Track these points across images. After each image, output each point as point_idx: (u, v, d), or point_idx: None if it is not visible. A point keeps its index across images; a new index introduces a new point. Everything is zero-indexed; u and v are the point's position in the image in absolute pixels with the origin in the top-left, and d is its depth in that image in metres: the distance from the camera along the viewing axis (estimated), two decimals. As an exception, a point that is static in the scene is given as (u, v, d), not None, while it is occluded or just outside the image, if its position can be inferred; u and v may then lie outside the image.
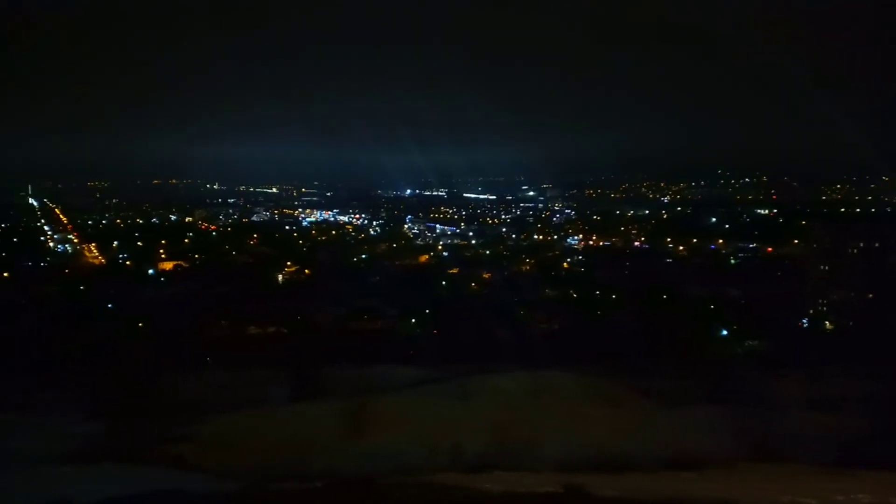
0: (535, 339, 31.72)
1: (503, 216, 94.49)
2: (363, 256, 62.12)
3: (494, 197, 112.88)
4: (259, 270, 54.05)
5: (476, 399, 14.51)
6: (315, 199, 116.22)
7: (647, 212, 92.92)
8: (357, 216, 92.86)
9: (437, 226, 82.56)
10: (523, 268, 56.01)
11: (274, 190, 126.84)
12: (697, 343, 29.33)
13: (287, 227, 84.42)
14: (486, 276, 50.95)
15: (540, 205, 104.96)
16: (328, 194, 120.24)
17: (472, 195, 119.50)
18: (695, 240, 65.83)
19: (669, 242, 65.82)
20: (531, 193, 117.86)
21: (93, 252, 63.58)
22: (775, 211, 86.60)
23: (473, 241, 72.51)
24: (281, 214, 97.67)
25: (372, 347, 29.28)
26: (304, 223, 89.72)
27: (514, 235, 75.77)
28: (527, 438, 12.08)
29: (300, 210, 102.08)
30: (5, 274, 49.81)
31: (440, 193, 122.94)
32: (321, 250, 65.14)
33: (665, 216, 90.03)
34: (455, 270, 53.92)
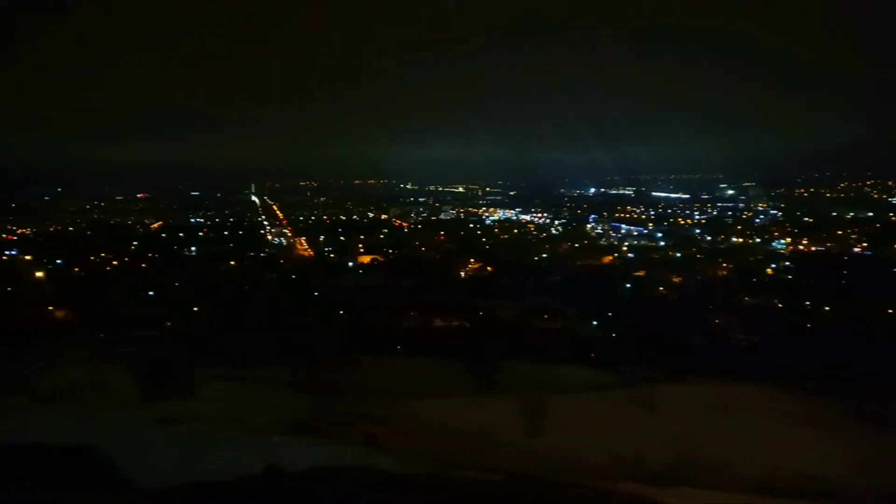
0: (731, 350, 29.40)
1: (697, 216, 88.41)
2: (544, 255, 61.88)
3: (688, 196, 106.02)
4: (445, 266, 56.27)
5: (663, 409, 13.75)
6: (498, 197, 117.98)
7: (870, 214, 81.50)
8: (539, 215, 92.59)
9: (623, 226, 79.54)
10: (719, 272, 52.09)
11: (460, 189, 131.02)
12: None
13: (471, 225, 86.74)
14: (675, 279, 48.16)
15: (741, 204, 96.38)
16: (511, 193, 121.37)
17: (662, 194, 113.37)
18: (932, 246, 56.44)
19: (899, 249, 57.18)
20: (731, 192, 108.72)
21: (303, 245, 70.56)
22: None
23: (662, 243, 68.83)
24: (466, 213, 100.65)
25: (552, 346, 29.11)
26: (487, 221, 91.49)
27: (708, 237, 70.66)
28: (717, 456, 11.24)
29: (484, 208, 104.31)
30: (232, 262, 57.13)
31: (627, 192, 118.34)
32: (503, 248, 66.10)
33: (894, 219, 78.33)
34: (641, 273, 51.69)
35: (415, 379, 16.34)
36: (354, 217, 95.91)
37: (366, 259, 59.88)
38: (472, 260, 56.93)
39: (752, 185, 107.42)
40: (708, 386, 15.77)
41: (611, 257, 60.72)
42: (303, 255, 65.90)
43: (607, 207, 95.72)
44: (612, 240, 73.06)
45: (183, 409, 13.10)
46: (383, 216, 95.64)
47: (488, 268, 54.89)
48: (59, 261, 53.22)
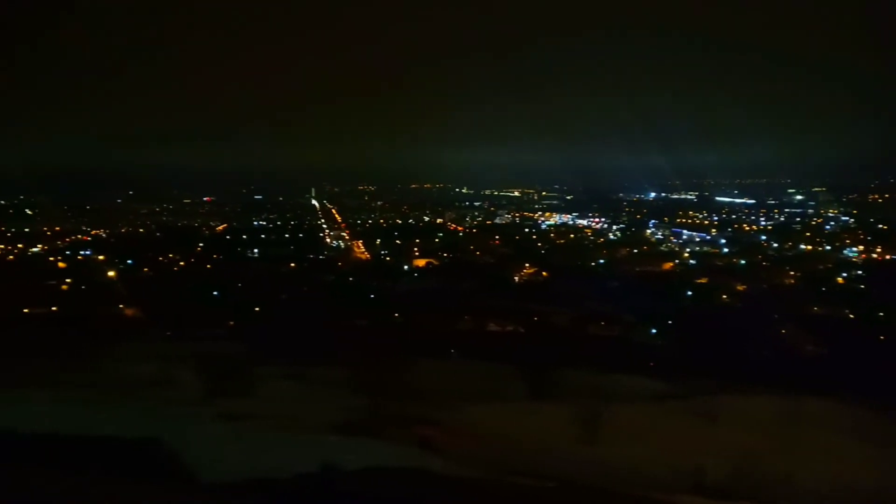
0: (797, 362, 28.25)
1: (763, 222, 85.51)
2: (601, 261, 60.99)
3: (753, 201, 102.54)
4: (499, 270, 56.14)
5: (725, 421, 13.35)
6: (555, 202, 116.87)
7: (952, 220, 76.90)
8: (596, 220, 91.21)
9: (684, 231, 77.53)
10: (786, 281, 50.21)
11: (516, 193, 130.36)
12: None
13: (526, 230, 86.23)
14: (739, 287, 46.71)
15: (810, 210, 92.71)
16: (568, 197, 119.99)
17: (726, 199, 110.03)
18: None
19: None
20: (799, 198, 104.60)
21: (360, 248, 71.76)
22: None
23: (726, 250, 66.80)
24: (521, 217, 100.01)
25: (609, 354, 28.64)
26: (543, 226, 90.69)
27: (775, 244, 68.17)
28: (781, 471, 10.83)
29: (540, 213, 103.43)
30: (292, 264, 58.58)
31: (689, 196, 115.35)
32: (559, 253, 65.48)
33: (979, 226, 73.69)
34: (703, 280, 50.33)
35: (469, 383, 16.36)
36: (410, 221, 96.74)
37: (421, 262, 60.37)
38: (527, 264, 56.59)
39: (821, 191, 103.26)
40: (772, 398, 15.22)
41: (671, 263, 59.33)
42: (360, 258, 66.95)
43: (668, 212, 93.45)
44: (672, 245, 71.32)
45: (244, 406, 13.48)
46: (438, 220, 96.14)
47: (543, 272, 54.44)
48: (129, 261, 55.79)
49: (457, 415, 13.45)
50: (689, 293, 45.58)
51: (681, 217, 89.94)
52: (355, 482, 8.54)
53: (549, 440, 11.71)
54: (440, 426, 12.67)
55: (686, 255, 64.01)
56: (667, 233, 77.33)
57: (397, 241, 72.52)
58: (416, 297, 43.51)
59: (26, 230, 75.00)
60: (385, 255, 66.23)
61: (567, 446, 11.83)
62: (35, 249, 64.09)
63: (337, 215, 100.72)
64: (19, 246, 64.95)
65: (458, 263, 60.28)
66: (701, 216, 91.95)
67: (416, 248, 66.88)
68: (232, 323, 34.76)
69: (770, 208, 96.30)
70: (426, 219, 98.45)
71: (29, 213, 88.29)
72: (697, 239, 73.52)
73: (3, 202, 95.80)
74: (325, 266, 60.06)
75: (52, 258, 59.08)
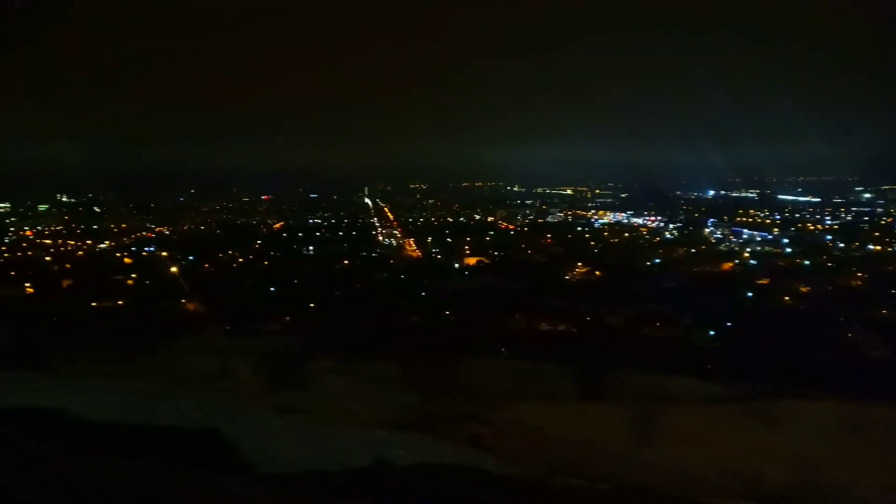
0: (862, 366, 27.03)
1: (829, 222, 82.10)
2: (657, 260, 59.75)
3: (818, 199, 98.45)
4: (551, 269, 55.68)
5: (784, 426, 12.92)
6: (608, 200, 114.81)
7: None
8: (652, 218, 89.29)
9: (744, 230, 75.14)
10: (852, 282, 48.14)
11: (568, 191, 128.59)
12: None
13: (579, 228, 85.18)
14: (802, 289, 45.04)
15: (879, 209, 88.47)
16: (622, 195, 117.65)
17: (789, 197, 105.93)
18: None
19: None
20: (867, 196, 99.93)
21: (411, 246, 72.32)
22: None
23: (788, 250, 64.44)
24: (574, 215, 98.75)
25: (664, 355, 28.08)
26: (596, 224, 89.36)
27: (841, 244, 65.34)
28: (842, 479, 10.42)
29: (593, 211, 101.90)
30: (346, 262, 59.57)
31: (749, 195, 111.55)
32: (612, 252, 64.47)
33: None
34: (764, 281, 48.73)
35: (520, 382, 16.30)
36: (461, 219, 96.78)
37: (472, 261, 60.44)
38: (579, 263, 55.95)
39: (891, 188, 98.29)
40: (835, 404, 14.63)
41: (730, 264, 57.69)
42: (411, 256, 67.46)
43: (727, 211, 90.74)
44: (732, 245, 69.26)
45: (299, 399, 13.78)
46: (490, 218, 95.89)
47: (597, 272, 53.72)
48: (191, 257, 57.80)
49: (508, 414, 13.41)
50: (749, 294, 44.28)
51: (741, 216, 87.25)
52: (406, 477, 8.64)
53: (601, 441, 11.57)
54: (491, 424, 12.67)
55: (746, 255, 62.09)
56: (726, 232, 75.12)
57: (448, 240, 72.71)
58: (467, 295, 43.57)
59: (94, 227, 78.63)
60: (436, 254, 66.52)
61: (620, 448, 11.66)
62: (103, 246, 67.23)
63: (389, 213, 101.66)
64: (88, 242, 68.17)
65: (510, 262, 60.10)
66: (762, 215, 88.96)
67: (467, 247, 66.95)
68: (288, 318, 35.58)
69: (836, 207, 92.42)
70: (477, 217, 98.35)
71: (97, 210, 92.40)
72: (758, 238, 71.19)
73: (73, 200, 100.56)
74: (378, 264, 60.85)
75: (118, 254, 61.83)
